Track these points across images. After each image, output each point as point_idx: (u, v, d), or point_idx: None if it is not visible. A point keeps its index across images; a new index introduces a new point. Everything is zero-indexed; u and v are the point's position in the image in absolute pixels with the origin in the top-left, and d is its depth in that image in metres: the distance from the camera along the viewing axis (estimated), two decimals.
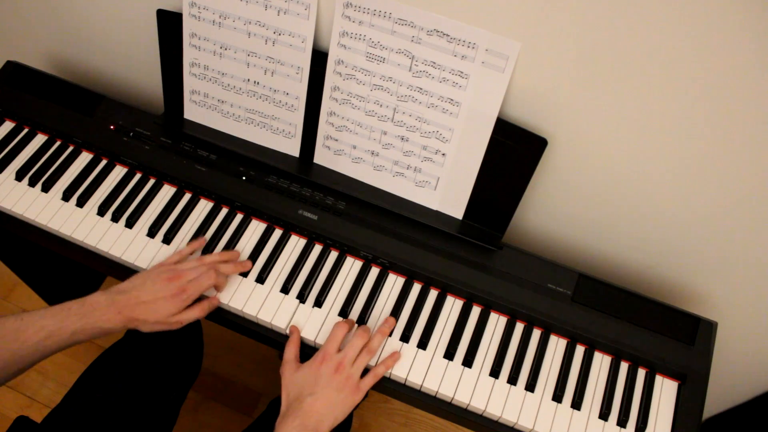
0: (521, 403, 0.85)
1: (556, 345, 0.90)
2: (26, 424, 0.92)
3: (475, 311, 0.92)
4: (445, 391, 0.85)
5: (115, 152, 1.01)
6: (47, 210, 0.96)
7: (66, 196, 0.98)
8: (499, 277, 0.92)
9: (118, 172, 1.01)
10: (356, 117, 0.92)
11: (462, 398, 0.85)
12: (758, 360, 1.08)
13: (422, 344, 0.88)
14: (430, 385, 0.85)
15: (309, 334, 0.88)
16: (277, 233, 0.96)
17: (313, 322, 0.89)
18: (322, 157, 0.99)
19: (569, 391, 0.87)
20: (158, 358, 0.98)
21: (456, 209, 0.96)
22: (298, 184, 0.98)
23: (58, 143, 1.03)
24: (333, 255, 0.95)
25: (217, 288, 0.88)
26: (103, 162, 1.02)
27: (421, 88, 0.86)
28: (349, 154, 0.97)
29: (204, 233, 0.95)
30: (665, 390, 0.87)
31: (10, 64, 1.09)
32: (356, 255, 0.95)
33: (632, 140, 0.83)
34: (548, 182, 0.95)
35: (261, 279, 0.92)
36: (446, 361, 0.87)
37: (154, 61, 1.05)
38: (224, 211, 0.98)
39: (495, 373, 0.87)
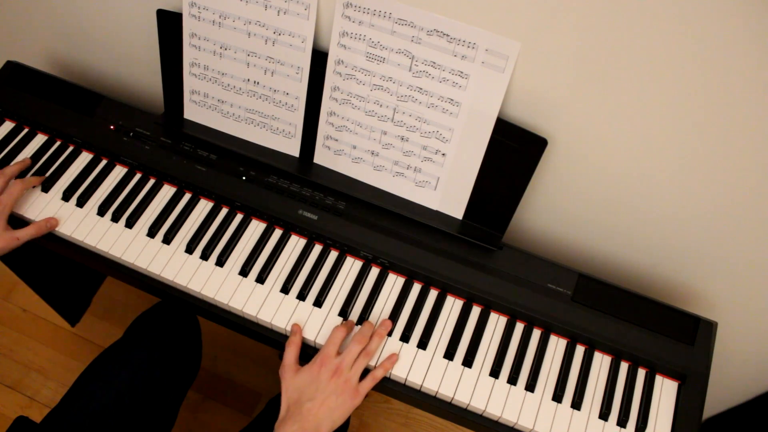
0: (521, 403, 0.85)
1: (556, 345, 0.90)
2: (26, 424, 0.92)
3: (475, 311, 0.92)
4: (445, 391, 0.85)
5: (115, 152, 1.01)
6: (47, 210, 0.96)
7: (66, 196, 0.98)
8: (499, 277, 0.92)
9: (118, 172, 1.01)
10: (356, 117, 0.92)
11: (462, 398, 0.85)
12: (758, 360, 1.08)
13: (422, 344, 0.88)
14: (430, 385, 0.85)
15: (309, 334, 0.88)
16: (277, 233, 0.96)
17: (313, 322, 0.89)
18: (322, 157, 0.99)
19: (569, 391, 0.87)
20: (158, 358, 0.98)
21: (456, 209, 0.96)
22: (298, 184, 0.98)
23: (58, 143, 1.03)
24: (333, 255, 0.95)
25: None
26: (103, 162, 1.02)
27: (421, 88, 0.86)
28: (349, 154, 0.97)
29: (204, 233, 0.95)
30: (665, 390, 0.87)
31: (10, 64, 1.09)
32: (356, 255, 0.95)
33: (632, 140, 0.83)
34: (548, 182, 0.95)
35: (261, 279, 0.92)
36: (446, 361, 0.87)
37: (154, 61, 1.05)
38: (224, 211, 0.98)
39: (495, 373, 0.87)
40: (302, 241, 0.96)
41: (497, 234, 0.95)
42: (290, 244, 0.95)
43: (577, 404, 0.85)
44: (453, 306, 0.92)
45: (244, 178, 0.99)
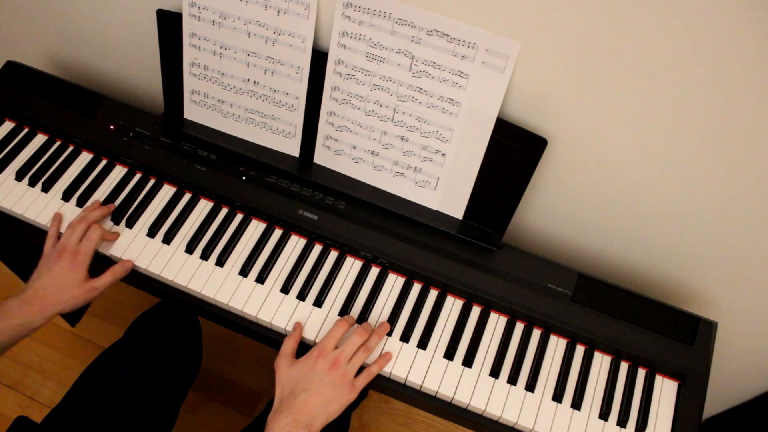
0: (521, 403, 0.85)
1: (556, 345, 0.90)
2: (26, 424, 0.92)
3: (475, 311, 0.92)
4: (445, 391, 0.85)
5: (115, 152, 1.01)
6: (47, 210, 0.96)
7: (66, 196, 0.98)
8: (499, 277, 0.92)
9: (118, 172, 1.01)
10: (356, 117, 0.92)
11: (462, 398, 0.85)
12: (758, 360, 1.08)
13: (422, 344, 0.88)
14: (430, 385, 0.85)
15: (309, 334, 0.88)
16: (277, 233, 0.96)
17: (313, 322, 0.89)
18: (322, 157, 0.99)
19: (569, 391, 0.87)
20: (158, 358, 0.98)
21: (456, 209, 0.96)
22: (298, 184, 0.98)
23: (58, 143, 1.03)
24: (333, 255, 0.95)
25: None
26: (103, 162, 1.02)
27: (421, 88, 0.86)
28: (349, 154, 0.97)
29: (204, 233, 0.95)
30: (665, 390, 0.87)
31: (10, 64, 1.09)
32: (356, 255, 0.95)
33: (632, 140, 0.83)
34: (548, 182, 0.95)
35: (261, 279, 0.92)
36: (446, 361, 0.87)
37: (154, 61, 1.05)
38: (224, 211, 0.98)
39: (495, 373, 0.87)
40: (302, 241, 0.96)
41: (497, 234, 0.95)
42: (290, 244, 0.95)
43: (577, 404, 0.85)
44: (453, 306, 0.92)
45: (244, 178, 0.99)
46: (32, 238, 0.99)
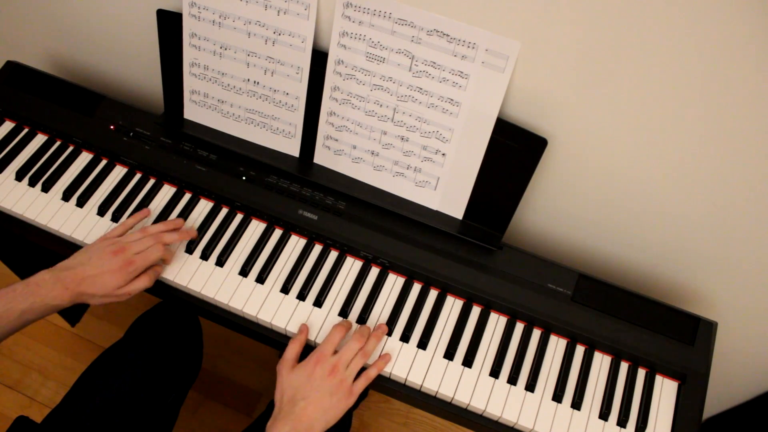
0: (521, 403, 0.85)
1: (556, 345, 0.90)
2: (26, 424, 0.92)
3: (475, 311, 0.92)
4: (445, 391, 0.85)
5: (115, 152, 1.01)
6: (47, 210, 0.96)
7: (66, 196, 0.98)
8: (499, 277, 0.92)
9: (118, 172, 1.01)
10: (356, 117, 0.92)
11: (462, 398, 0.85)
12: (758, 360, 1.08)
13: (422, 344, 0.88)
14: (430, 385, 0.85)
15: (309, 334, 0.88)
16: (277, 233, 0.96)
17: (313, 322, 0.89)
18: (322, 157, 0.99)
19: (569, 391, 0.87)
20: (158, 358, 0.98)
21: (456, 209, 0.96)
22: (298, 184, 0.98)
23: (58, 143, 1.03)
24: (333, 255, 0.95)
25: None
26: (103, 162, 1.02)
27: (421, 88, 0.86)
28: (349, 154, 0.97)
29: (204, 233, 0.95)
30: (665, 390, 0.87)
31: (10, 64, 1.09)
32: (356, 255, 0.95)
33: (632, 140, 0.83)
34: (548, 182, 0.95)
35: (261, 279, 0.92)
36: (446, 361, 0.87)
37: (154, 61, 1.05)
38: (224, 211, 0.98)
39: (495, 373, 0.87)
40: (302, 241, 0.96)
41: (497, 234, 0.95)
42: (290, 244, 0.95)
43: (577, 404, 0.85)
44: (453, 306, 0.92)
45: (244, 178, 0.99)
46: (32, 238, 0.99)
